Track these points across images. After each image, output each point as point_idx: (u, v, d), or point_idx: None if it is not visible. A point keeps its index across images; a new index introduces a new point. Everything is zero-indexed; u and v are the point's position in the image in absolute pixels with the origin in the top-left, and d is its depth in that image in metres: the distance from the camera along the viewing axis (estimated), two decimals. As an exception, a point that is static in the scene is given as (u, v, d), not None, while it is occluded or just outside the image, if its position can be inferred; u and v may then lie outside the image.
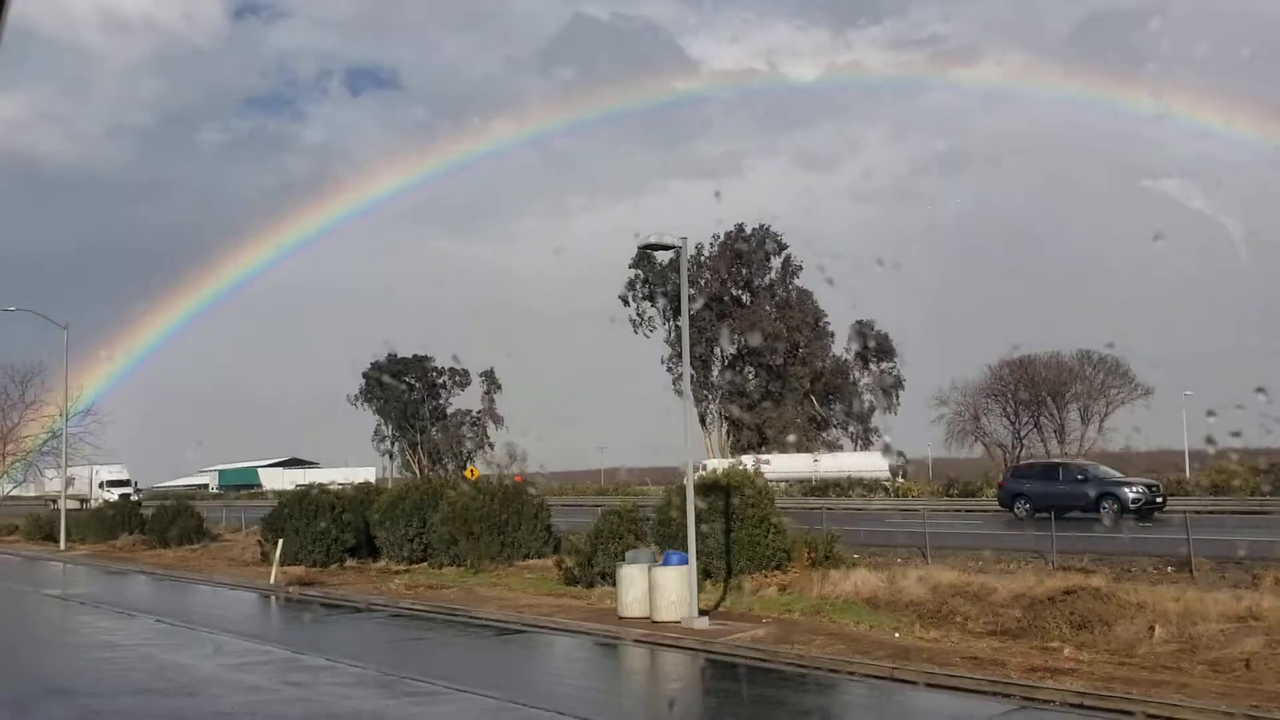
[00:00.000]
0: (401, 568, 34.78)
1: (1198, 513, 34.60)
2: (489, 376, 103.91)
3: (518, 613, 24.41)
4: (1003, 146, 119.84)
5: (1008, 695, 14.70)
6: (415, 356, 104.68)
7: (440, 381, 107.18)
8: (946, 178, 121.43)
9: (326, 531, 36.14)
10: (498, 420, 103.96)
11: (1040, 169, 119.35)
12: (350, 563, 36.92)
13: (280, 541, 34.46)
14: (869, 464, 67.37)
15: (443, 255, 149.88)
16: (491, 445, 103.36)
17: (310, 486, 39.46)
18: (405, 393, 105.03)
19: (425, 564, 34.56)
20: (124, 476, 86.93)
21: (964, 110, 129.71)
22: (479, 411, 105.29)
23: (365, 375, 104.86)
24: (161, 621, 24.66)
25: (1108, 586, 20.10)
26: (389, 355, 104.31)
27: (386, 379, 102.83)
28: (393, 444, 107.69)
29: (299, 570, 34.34)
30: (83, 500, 76.61)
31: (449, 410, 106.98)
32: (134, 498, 75.46)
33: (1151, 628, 17.87)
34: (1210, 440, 41.68)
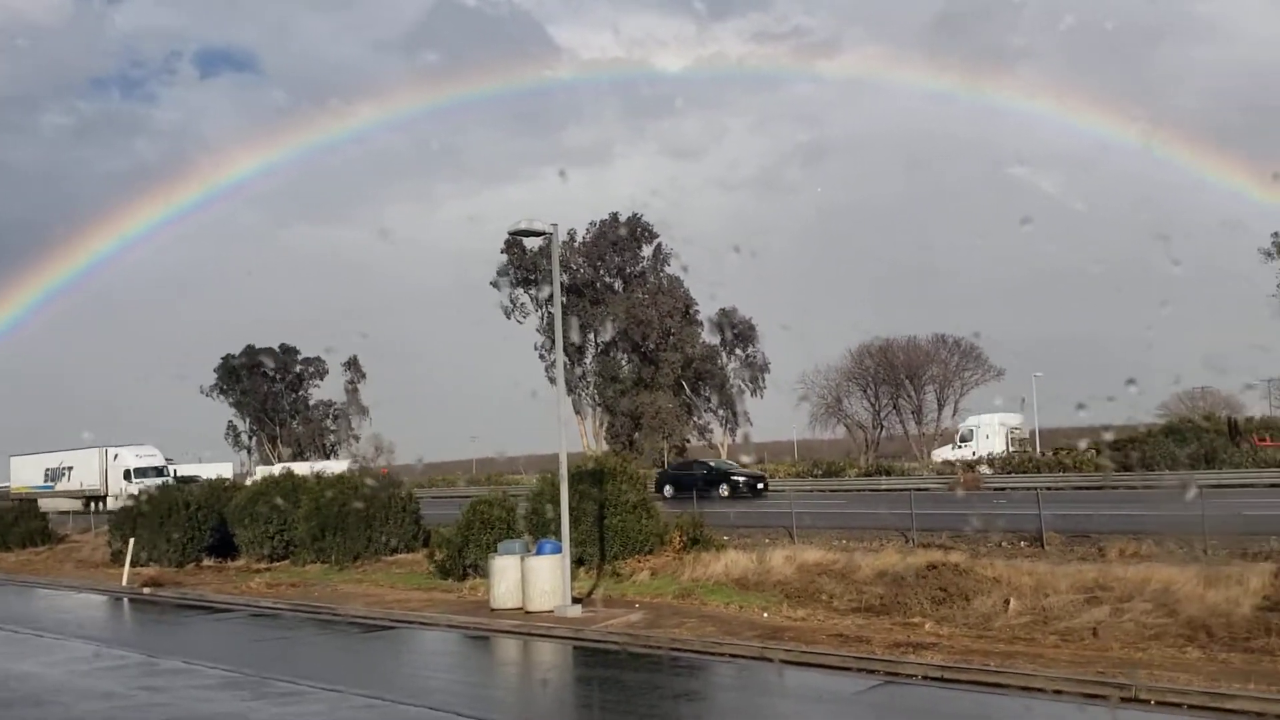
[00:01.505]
0: (262, 566, 33.74)
1: (1048, 489, 36.19)
2: (353, 365, 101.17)
3: (385, 608, 23.96)
4: (864, 137, 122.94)
5: (872, 671, 15.09)
6: (276, 346, 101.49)
7: (301, 371, 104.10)
8: (810, 167, 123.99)
9: (182, 529, 34.84)
10: (363, 411, 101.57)
11: (900, 158, 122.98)
12: (208, 562, 35.66)
13: (131, 541, 33.05)
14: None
15: (304, 242, 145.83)
16: (356, 437, 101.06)
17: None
18: (264, 384, 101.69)
19: (287, 562, 33.61)
20: None
21: (827, 101, 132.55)
22: (343, 403, 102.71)
23: (220, 366, 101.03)
24: (3, 629, 23.34)
25: (966, 562, 20.82)
26: (246, 345, 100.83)
27: (243, 369, 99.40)
28: (250, 438, 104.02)
29: (152, 571, 33.01)
30: None
31: (311, 402, 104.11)
32: None
33: (1007, 601, 18.58)
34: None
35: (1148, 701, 12.69)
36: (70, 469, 68.87)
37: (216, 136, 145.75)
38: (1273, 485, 36.96)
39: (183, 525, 35.21)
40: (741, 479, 48.94)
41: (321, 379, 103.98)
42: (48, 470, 70.89)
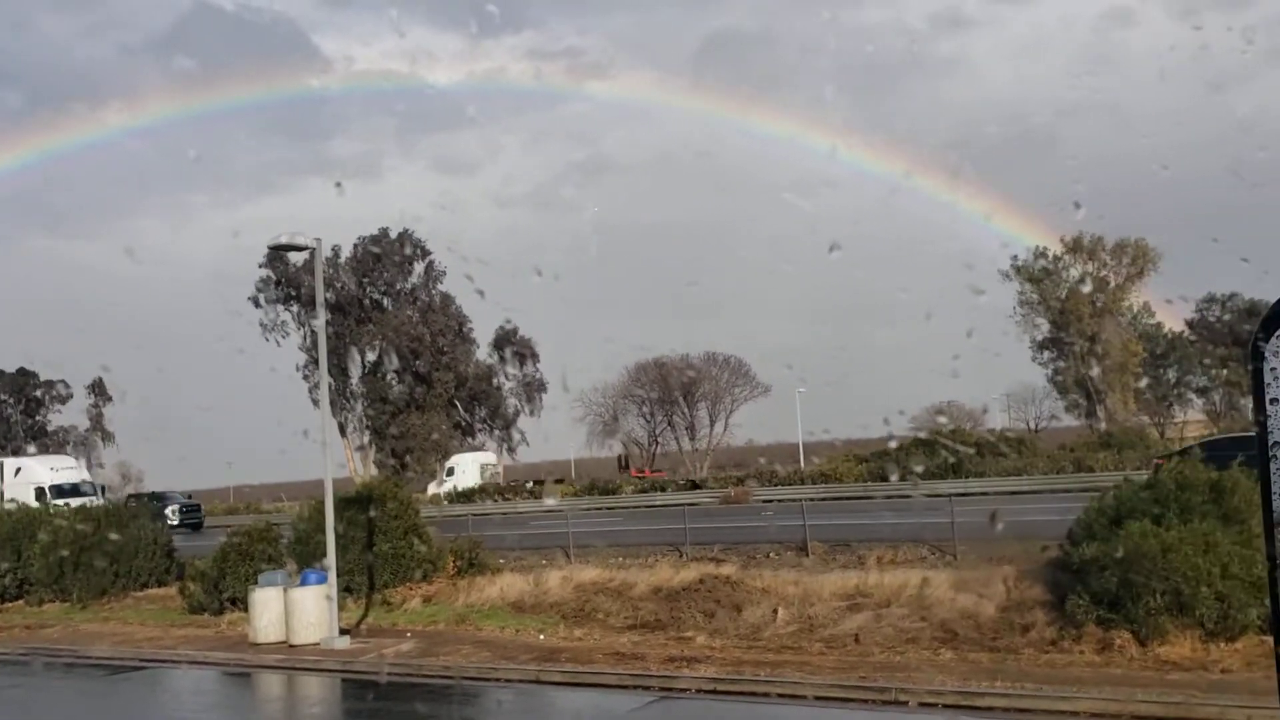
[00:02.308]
0: (-10, 609, 30.72)
1: (812, 500, 37.65)
2: (97, 389, 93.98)
3: (135, 647, 22.27)
4: (636, 157, 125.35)
5: (648, 688, 15.16)
6: (11, 369, 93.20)
7: (40, 396, 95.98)
8: (585, 186, 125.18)
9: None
10: (108, 437, 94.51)
11: (670, 180, 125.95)
12: (-73, 607, 32.16)
13: None
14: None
15: (44, 255, 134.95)
16: (101, 465, 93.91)
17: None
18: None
19: (21, 602, 30.74)
20: None
21: (601, 121, 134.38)
22: (85, 429, 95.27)
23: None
24: None
25: (737, 574, 21.33)
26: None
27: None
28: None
29: None
30: None
31: (49, 428, 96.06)
32: None
33: (775, 611, 19.13)
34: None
35: (906, 703, 13.28)
36: None
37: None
38: (1014, 493, 39.81)
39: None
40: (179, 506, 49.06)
41: (64, 404, 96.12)
42: None
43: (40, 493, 48.05)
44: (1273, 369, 1.42)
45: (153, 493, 56.99)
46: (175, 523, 48.00)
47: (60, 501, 40.75)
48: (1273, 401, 1.41)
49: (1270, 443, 1.43)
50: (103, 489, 54.42)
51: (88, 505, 35.48)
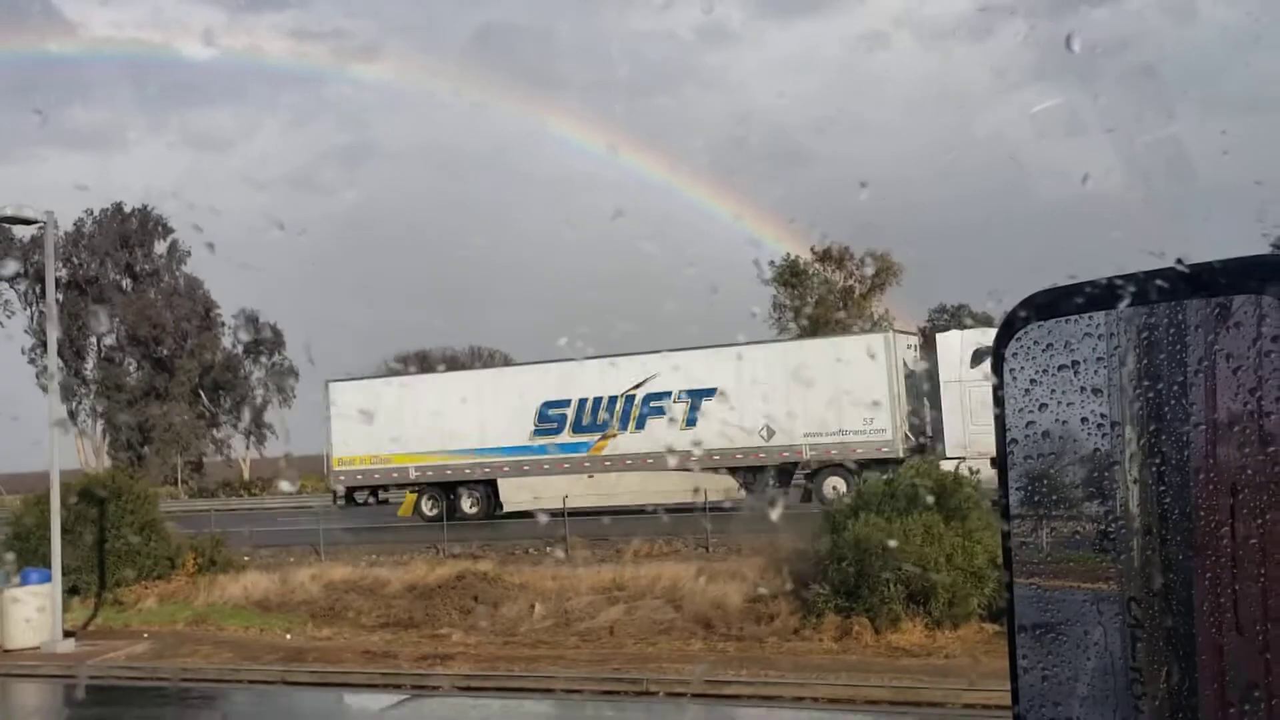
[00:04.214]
0: None
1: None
2: None
3: None
4: (403, 144, 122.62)
5: (399, 686, 14.93)
6: None
7: None
8: (348, 170, 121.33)
9: None
10: None
11: (437, 168, 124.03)
12: None
13: None
14: None
15: None
16: None
17: None
18: None
19: None
20: None
21: (366, 104, 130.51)
22: None
23: None
24: None
25: (495, 570, 21.27)
26: None
27: None
28: None
29: None
30: None
31: None
32: None
33: (533, 606, 19.20)
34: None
35: (656, 694, 13.65)
36: None
37: None
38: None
39: None
40: None
41: None
42: None
43: None
44: (1011, 369, 1.56)
45: None
46: None
47: None
48: (1010, 400, 1.56)
49: (1008, 440, 1.57)
50: None
51: None
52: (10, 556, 22.01)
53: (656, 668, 14.80)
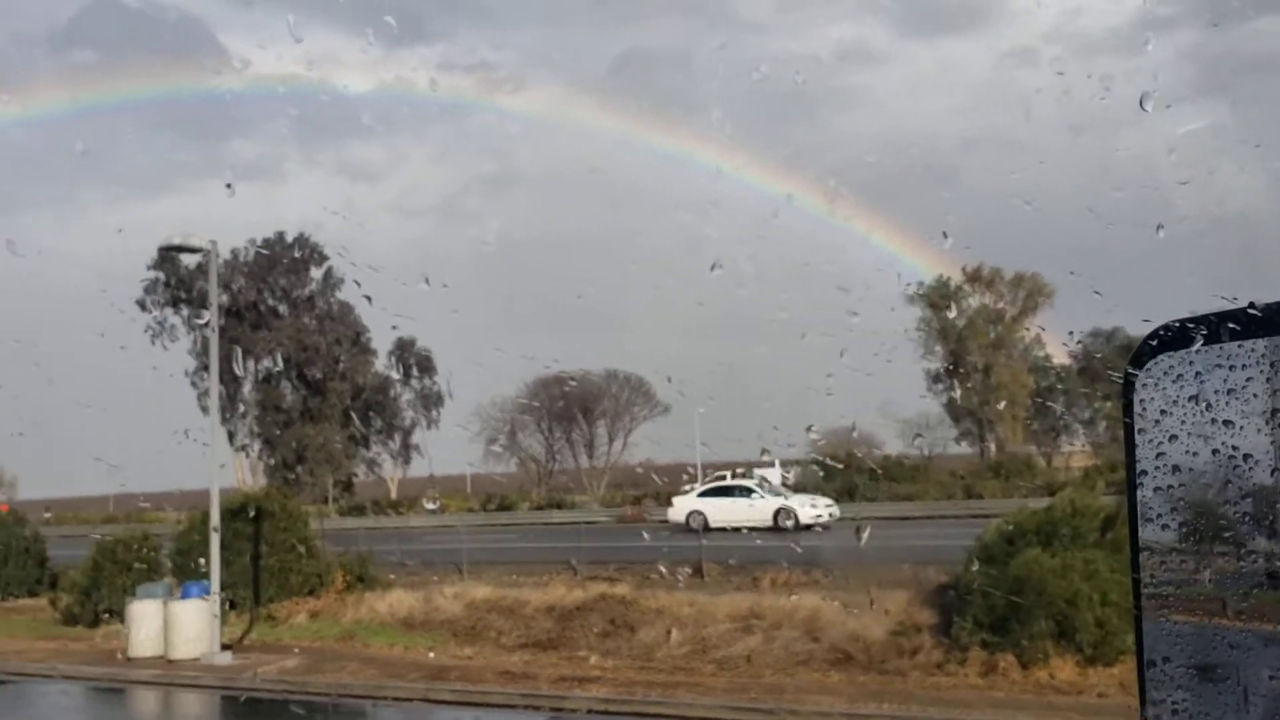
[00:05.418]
0: None
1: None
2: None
3: (1, 660, 21.25)
4: (546, 173, 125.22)
5: (538, 708, 15.02)
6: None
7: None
8: (493, 199, 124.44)
9: None
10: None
11: (579, 196, 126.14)
12: None
13: None
14: None
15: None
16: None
17: None
18: None
19: (-123, 612, 29.14)
20: None
21: (510, 135, 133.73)
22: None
23: None
24: None
25: (631, 594, 21.26)
26: None
27: None
28: None
29: None
30: None
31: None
32: None
33: (669, 631, 19.11)
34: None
35: (795, 724, 13.38)
36: None
37: None
38: (905, 518, 40.63)
39: None
40: None
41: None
42: None
43: None
44: (1141, 400, 1.55)
45: None
46: None
47: None
48: (1140, 431, 1.56)
49: (1138, 470, 1.56)
50: None
51: None
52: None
53: (794, 698, 14.52)
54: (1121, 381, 1.53)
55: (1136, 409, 1.50)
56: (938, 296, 72.79)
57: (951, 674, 15.81)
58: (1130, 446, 1.52)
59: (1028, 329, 72.59)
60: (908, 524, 37.57)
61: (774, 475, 65.62)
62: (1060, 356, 73.75)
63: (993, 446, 72.41)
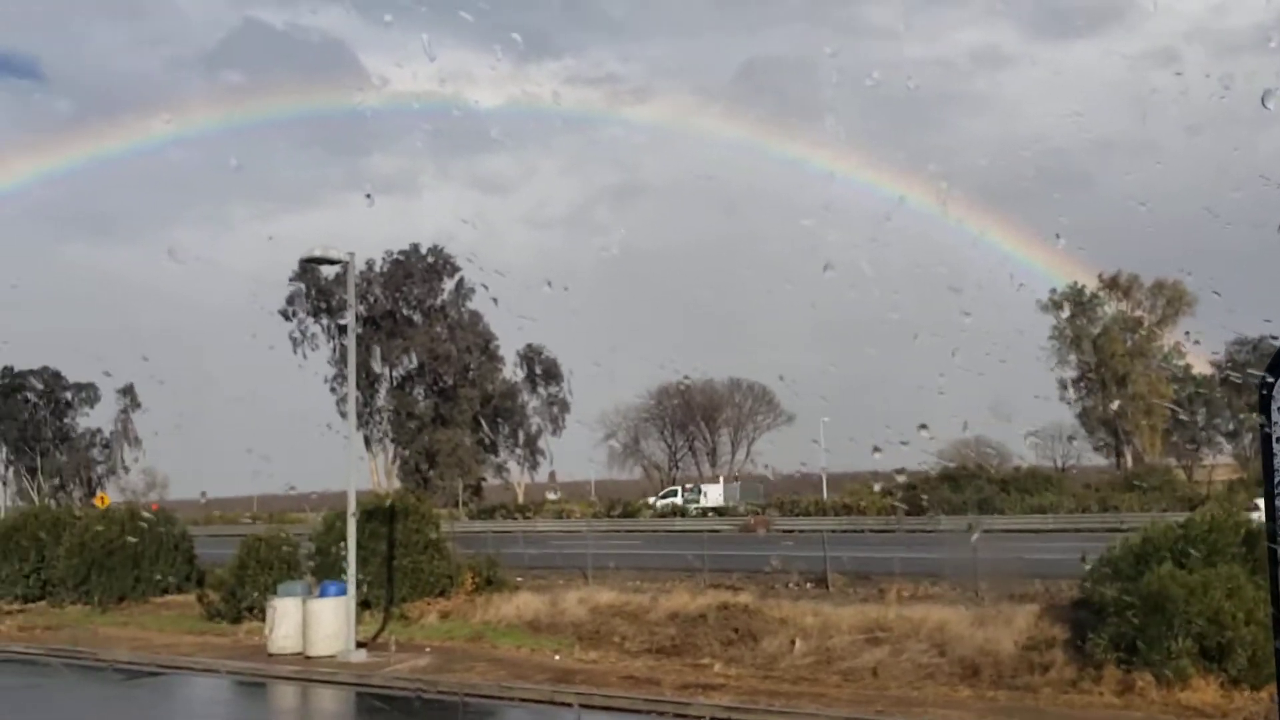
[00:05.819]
0: (15, 608, 30.95)
1: (833, 531, 37.46)
2: (129, 393, 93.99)
3: (153, 653, 22.37)
4: (671, 182, 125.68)
5: (661, 713, 15.10)
6: (39, 369, 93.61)
7: (69, 398, 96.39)
8: (619, 210, 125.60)
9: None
10: (134, 442, 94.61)
11: (704, 204, 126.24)
12: (-48, 604, 32.44)
13: None
14: None
15: (83, 259, 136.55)
16: (126, 469, 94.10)
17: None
18: (24, 409, 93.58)
19: (44, 603, 31.00)
20: None
21: (636, 146, 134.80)
22: (111, 432, 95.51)
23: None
24: None
25: (755, 603, 21.21)
26: (4, 369, 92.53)
27: (2, 392, 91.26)
28: (6, 468, 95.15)
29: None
30: None
31: (78, 430, 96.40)
32: None
33: (793, 641, 19.01)
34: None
35: (922, 739, 13.16)
36: None
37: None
38: (1038, 531, 39.46)
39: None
40: None
41: (92, 406, 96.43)
42: None
43: None
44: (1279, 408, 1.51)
45: None
46: None
47: None
48: (1279, 440, 1.50)
49: (1277, 480, 1.51)
50: None
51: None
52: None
53: (921, 712, 14.30)
54: (1258, 390, 1.46)
55: (1275, 418, 1.44)
56: (1073, 304, 70.38)
57: (1085, 691, 15.33)
58: (1268, 457, 1.46)
59: (1167, 338, 69.56)
60: (1039, 536, 36.47)
61: (716, 491, 67.41)
62: (1202, 366, 70.44)
63: (1129, 458, 69.65)
